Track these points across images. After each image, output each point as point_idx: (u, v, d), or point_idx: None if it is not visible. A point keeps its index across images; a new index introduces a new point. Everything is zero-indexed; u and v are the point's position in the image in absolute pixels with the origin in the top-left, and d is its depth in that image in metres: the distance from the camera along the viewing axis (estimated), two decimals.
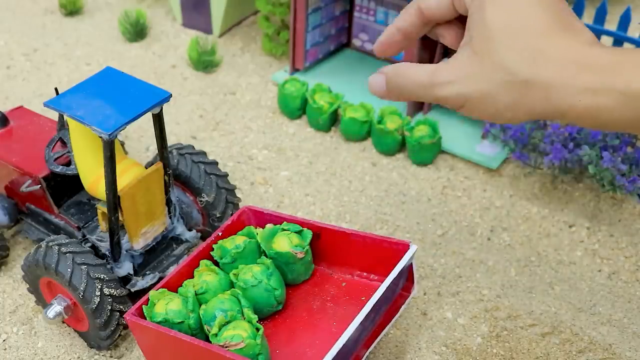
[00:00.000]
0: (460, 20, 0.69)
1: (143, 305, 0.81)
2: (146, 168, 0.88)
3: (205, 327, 0.79)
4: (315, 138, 1.22)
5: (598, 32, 1.34)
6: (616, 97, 0.57)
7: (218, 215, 0.96)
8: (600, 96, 0.57)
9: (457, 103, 0.63)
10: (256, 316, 0.78)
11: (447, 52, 1.23)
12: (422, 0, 0.68)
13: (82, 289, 0.82)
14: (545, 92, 0.59)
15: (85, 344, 0.89)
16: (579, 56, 0.58)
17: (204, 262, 0.86)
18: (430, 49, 1.19)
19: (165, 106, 1.16)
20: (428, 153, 1.15)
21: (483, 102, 0.62)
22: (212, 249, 0.88)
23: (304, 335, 0.82)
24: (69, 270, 0.82)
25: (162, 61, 1.38)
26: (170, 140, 1.17)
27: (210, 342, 0.80)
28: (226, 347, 0.74)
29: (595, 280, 1.00)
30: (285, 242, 0.85)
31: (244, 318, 0.79)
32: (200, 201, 0.96)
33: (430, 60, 1.20)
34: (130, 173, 0.86)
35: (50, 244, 0.85)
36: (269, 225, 0.88)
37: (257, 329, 0.77)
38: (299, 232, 0.87)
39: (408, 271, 0.84)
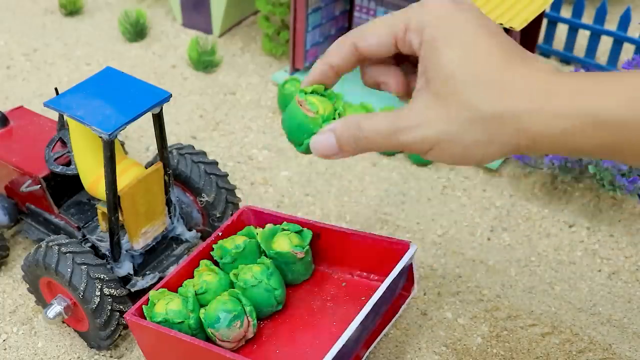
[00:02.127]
0: (396, 64, 0.67)
1: (143, 305, 0.81)
2: (146, 168, 0.88)
3: (209, 330, 0.79)
4: None
5: (598, 32, 1.34)
6: (588, 122, 0.56)
7: (218, 215, 0.96)
8: (572, 120, 0.56)
9: (424, 148, 0.60)
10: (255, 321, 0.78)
11: None
12: (360, 38, 0.65)
13: (82, 289, 0.82)
14: (516, 124, 0.57)
15: (85, 344, 0.89)
16: (546, 84, 0.57)
17: (204, 262, 0.86)
18: None
19: (165, 106, 1.16)
20: None
21: (451, 144, 0.60)
22: (212, 249, 0.88)
23: (304, 335, 0.82)
24: (69, 270, 0.82)
25: (162, 61, 1.38)
26: (170, 140, 1.17)
27: (210, 342, 0.80)
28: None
29: (595, 280, 1.00)
30: (285, 242, 0.85)
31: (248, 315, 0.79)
32: (200, 201, 0.96)
33: None
34: (130, 173, 0.86)
35: (50, 244, 0.85)
36: (269, 225, 0.88)
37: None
38: (299, 232, 0.87)
39: (408, 271, 0.84)
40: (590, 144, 0.57)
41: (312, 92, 0.67)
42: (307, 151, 0.67)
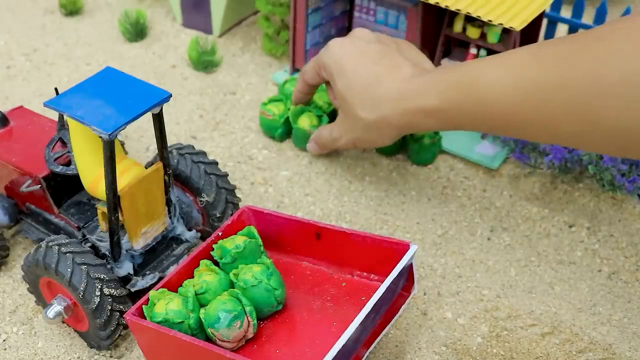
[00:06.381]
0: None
1: (143, 305, 0.81)
2: (146, 168, 0.88)
3: (209, 330, 0.79)
4: None
5: None
6: (421, 112, 0.90)
7: (218, 215, 0.96)
8: (414, 114, 0.91)
9: (350, 146, 1.03)
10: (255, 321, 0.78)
11: (449, 51, 1.23)
12: (303, 73, 1.07)
13: (82, 289, 0.82)
14: (388, 122, 0.94)
15: (85, 344, 0.89)
16: (398, 91, 0.92)
17: (204, 262, 0.86)
18: (431, 49, 1.19)
19: (165, 106, 1.16)
20: (428, 153, 1.15)
21: (362, 141, 1.00)
22: (212, 249, 0.88)
23: (304, 335, 0.82)
24: (69, 270, 0.82)
25: (162, 61, 1.38)
26: (170, 140, 1.17)
27: (210, 342, 0.80)
28: None
29: (595, 280, 1.00)
30: (306, 122, 1.12)
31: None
32: (200, 201, 0.96)
33: (432, 58, 1.20)
34: (130, 173, 0.86)
35: (50, 244, 0.85)
36: (300, 105, 1.13)
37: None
38: (319, 117, 1.13)
39: (408, 271, 0.84)
40: (427, 126, 0.92)
41: (269, 102, 1.17)
42: (281, 139, 1.18)
